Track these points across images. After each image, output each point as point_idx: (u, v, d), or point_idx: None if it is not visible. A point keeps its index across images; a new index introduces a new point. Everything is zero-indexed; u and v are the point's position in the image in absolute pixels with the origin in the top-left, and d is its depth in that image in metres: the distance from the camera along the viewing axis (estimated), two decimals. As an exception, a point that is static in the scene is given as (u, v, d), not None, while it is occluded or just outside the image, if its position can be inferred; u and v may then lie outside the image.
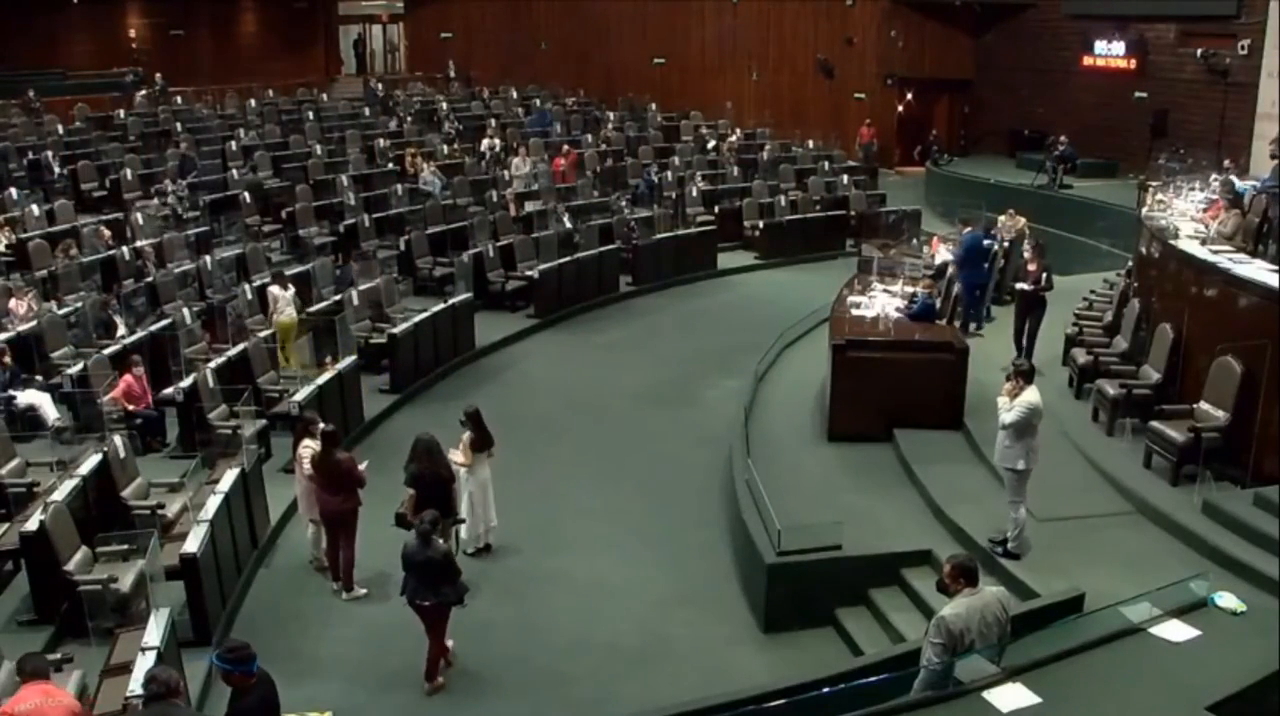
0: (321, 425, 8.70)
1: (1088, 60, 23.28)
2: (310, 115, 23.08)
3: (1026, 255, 11.87)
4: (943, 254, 13.96)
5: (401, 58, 32.87)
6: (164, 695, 4.98)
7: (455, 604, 7.44)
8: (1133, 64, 22.30)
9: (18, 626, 7.36)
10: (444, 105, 24.87)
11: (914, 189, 23.84)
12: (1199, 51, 20.58)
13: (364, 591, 8.52)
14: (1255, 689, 5.39)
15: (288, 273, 14.30)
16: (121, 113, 22.31)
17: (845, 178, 21.90)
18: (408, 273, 15.60)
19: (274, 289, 12.63)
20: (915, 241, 15.70)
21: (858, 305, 11.63)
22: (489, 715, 7.28)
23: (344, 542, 8.46)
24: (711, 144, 23.57)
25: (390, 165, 20.23)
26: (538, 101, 26.17)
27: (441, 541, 7.49)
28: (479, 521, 9.11)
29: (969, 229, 14.12)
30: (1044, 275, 11.52)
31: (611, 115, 25.44)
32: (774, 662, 7.73)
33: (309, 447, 8.52)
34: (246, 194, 17.57)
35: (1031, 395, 7.61)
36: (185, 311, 12.32)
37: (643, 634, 8.13)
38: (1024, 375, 7.71)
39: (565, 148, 21.84)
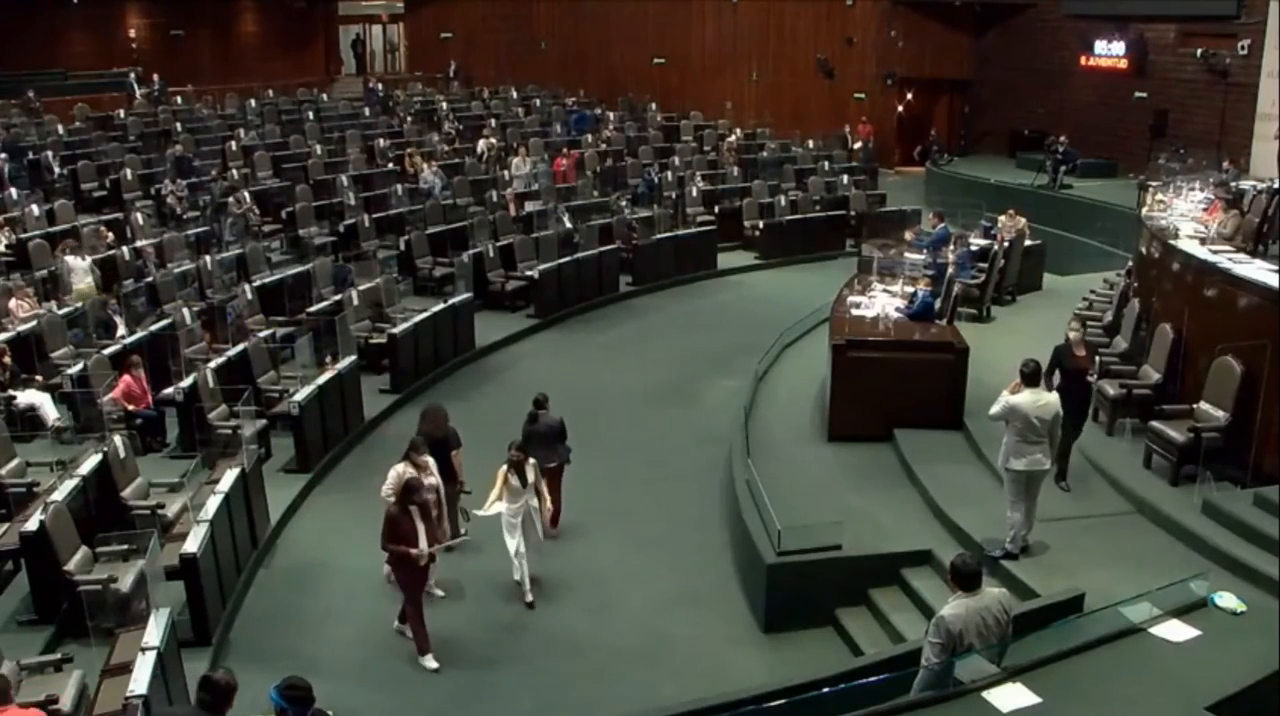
0: (422, 460, 8.11)
1: (1087, 60, 23.29)
2: (310, 115, 23.08)
3: (1072, 336, 8.98)
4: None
5: (401, 58, 32.86)
6: (209, 706, 4.89)
7: (567, 462, 9.28)
8: (1132, 64, 22.30)
9: (18, 626, 7.36)
10: (444, 105, 24.88)
11: (914, 189, 23.84)
12: (1199, 51, 20.60)
13: (434, 665, 7.62)
14: (1255, 689, 5.39)
15: (289, 272, 14.36)
16: (121, 113, 22.31)
17: (845, 178, 21.91)
18: (408, 273, 15.60)
19: (70, 259, 12.94)
20: (911, 234, 15.71)
21: (858, 305, 11.63)
22: (489, 715, 7.28)
23: (404, 595, 7.73)
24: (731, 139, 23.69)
25: (390, 165, 20.23)
26: (538, 101, 26.19)
27: (551, 414, 9.19)
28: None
29: (942, 223, 14.91)
30: (1097, 359, 9.09)
31: (611, 115, 25.44)
32: (774, 662, 7.73)
33: (395, 472, 7.96)
34: (246, 194, 17.57)
35: (1019, 396, 7.64)
36: (185, 311, 12.32)
37: (643, 634, 8.13)
38: (1024, 376, 7.72)
39: (565, 148, 21.86)
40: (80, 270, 12.93)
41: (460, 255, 15.34)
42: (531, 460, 8.48)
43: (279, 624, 8.14)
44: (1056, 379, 8.63)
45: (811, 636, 8.02)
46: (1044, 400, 7.66)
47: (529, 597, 8.43)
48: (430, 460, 8.24)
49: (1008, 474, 7.77)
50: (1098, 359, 9.17)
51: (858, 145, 24.37)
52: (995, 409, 7.77)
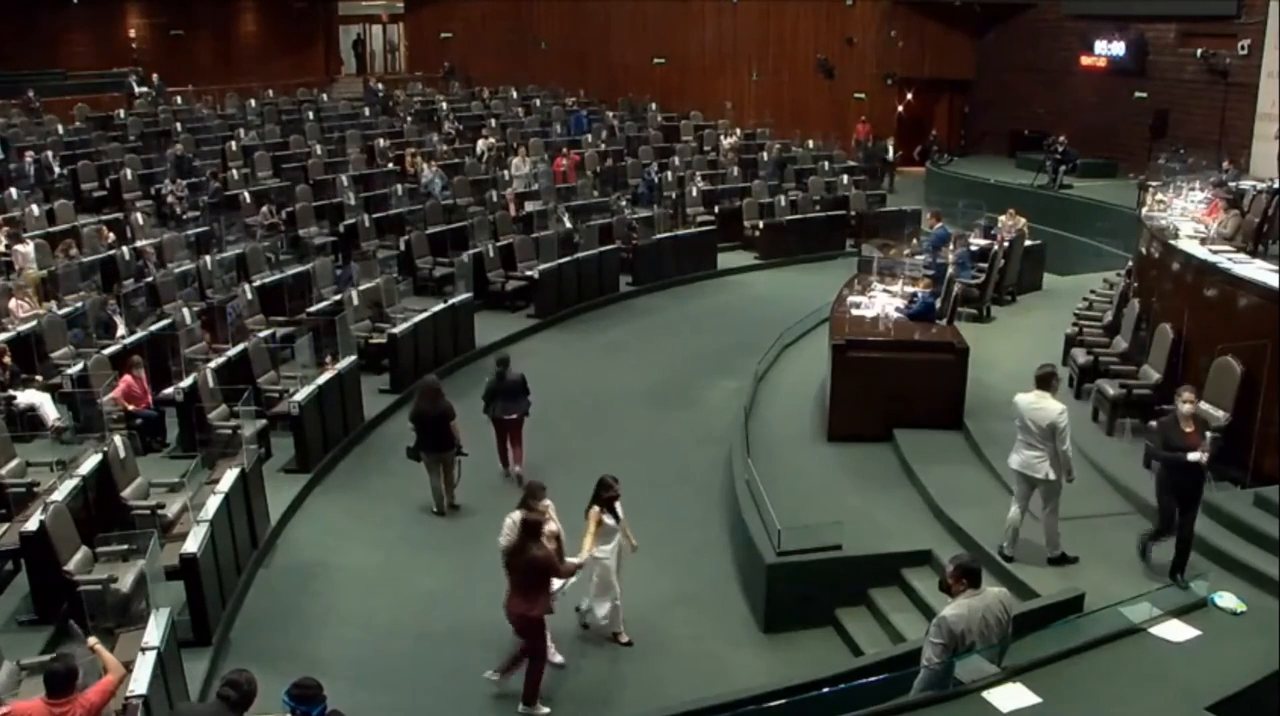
0: (541, 505, 7.44)
1: (1088, 60, 23.29)
2: (310, 115, 23.08)
3: (1184, 408, 7.29)
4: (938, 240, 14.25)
5: (401, 58, 32.87)
6: (235, 701, 4.95)
7: (526, 414, 10.40)
8: (1132, 63, 22.29)
9: (18, 626, 7.36)
10: (444, 105, 24.88)
11: (914, 189, 23.84)
12: (1199, 51, 20.60)
13: (545, 711, 7.16)
14: (1255, 689, 5.39)
15: (289, 272, 14.36)
16: (121, 113, 22.32)
17: (845, 178, 21.91)
18: (408, 273, 15.60)
19: (19, 248, 13.36)
20: (917, 241, 15.72)
21: (858, 305, 11.63)
22: (489, 715, 7.28)
23: (531, 653, 7.11)
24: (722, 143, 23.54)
25: (390, 165, 20.23)
26: (538, 101, 26.19)
27: (514, 371, 10.40)
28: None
29: (940, 224, 14.89)
30: (1208, 436, 7.47)
31: (612, 115, 25.44)
32: (774, 662, 7.72)
33: (512, 521, 7.35)
34: (246, 194, 17.59)
35: (1022, 395, 7.63)
36: (185, 311, 12.32)
37: (643, 634, 8.12)
38: (1036, 379, 7.68)
39: (565, 148, 21.87)
40: (28, 256, 13.24)
41: (460, 255, 15.34)
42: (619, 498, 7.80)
43: (279, 624, 8.13)
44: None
45: (811, 636, 8.01)
46: (1041, 404, 7.46)
47: (625, 637, 7.90)
48: (549, 503, 7.61)
49: (1011, 471, 7.76)
50: (1209, 436, 7.49)
51: (899, 154, 23.88)
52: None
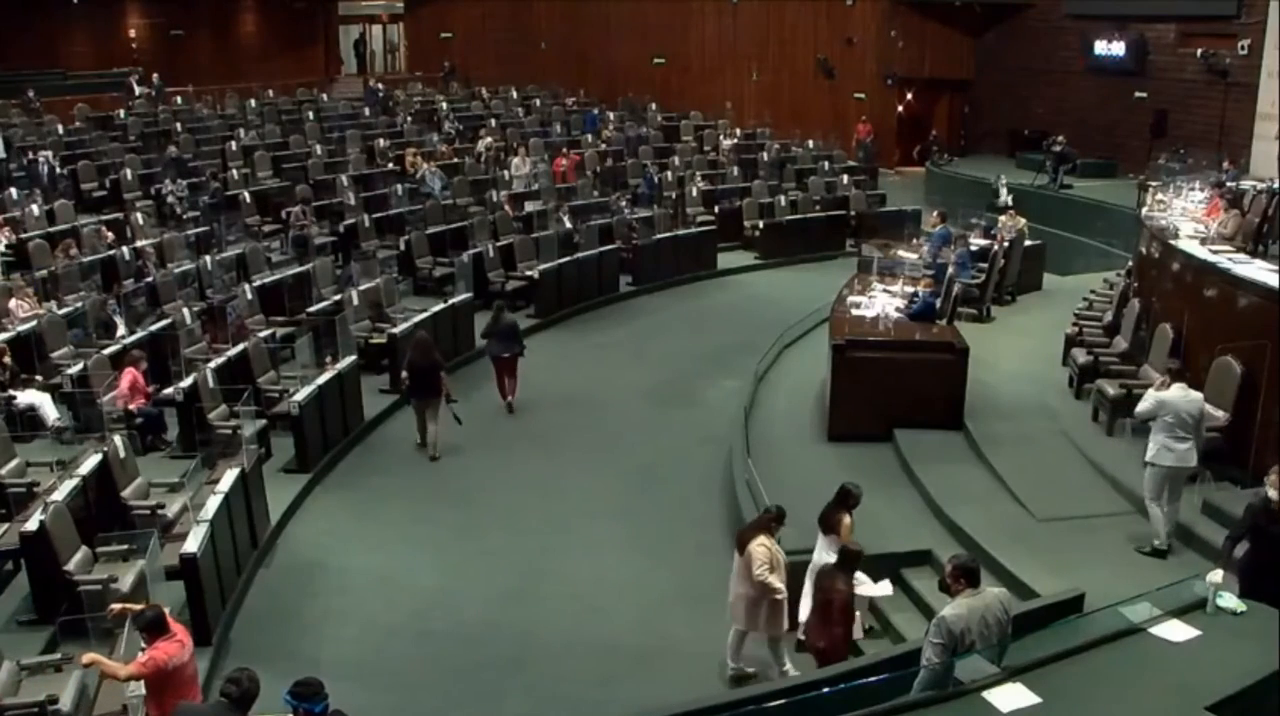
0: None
1: (1088, 60, 23.29)
2: (310, 115, 23.08)
3: (1273, 491, 6.67)
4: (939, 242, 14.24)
5: (401, 58, 32.87)
6: (236, 698, 5.00)
7: (520, 354, 12.07)
8: (1132, 63, 22.29)
9: (18, 626, 7.37)
10: (444, 105, 24.89)
11: (914, 189, 23.84)
12: (1199, 51, 20.59)
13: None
14: (1255, 689, 5.38)
15: (289, 272, 14.36)
16: (121, 113, 22.31)
17: (845, 178, 21.90)
18: (408, 273, 15.60)
19: None
20: (918, 240, 15.72)
21: (858, 305, 11.63)
22: (489, 715, 7.28)
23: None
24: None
25: (390, 165, 20.23)
26: (538, 101, 26.18)
27: (509, 316, 12.24)
28: None
29: (942, 224, 14.89)
30: None
31: (611, 115, 25.44)
32: (774, 662, 7.72)
33: (764, 547, 7.12)
34: (246, 194, 17.57)
35: (1169, 391, 7.76)
36: (185, 311, 12.32)
37: (643, 634, 8.13)
38: (1172, 373, 7.96)
39: (565, 148, 21.87)
40: None
41: (460, 255, 15.34)
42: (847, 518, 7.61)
43: (279, 624, 8.14)
44: (1243, 546, 6.71)
45: (812, 636, 8.00)
46: (1190, 395, 7.75)
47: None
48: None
49: (1155, 469, 7.78)
50: None
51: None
52: (1144, 406, 7.91)
